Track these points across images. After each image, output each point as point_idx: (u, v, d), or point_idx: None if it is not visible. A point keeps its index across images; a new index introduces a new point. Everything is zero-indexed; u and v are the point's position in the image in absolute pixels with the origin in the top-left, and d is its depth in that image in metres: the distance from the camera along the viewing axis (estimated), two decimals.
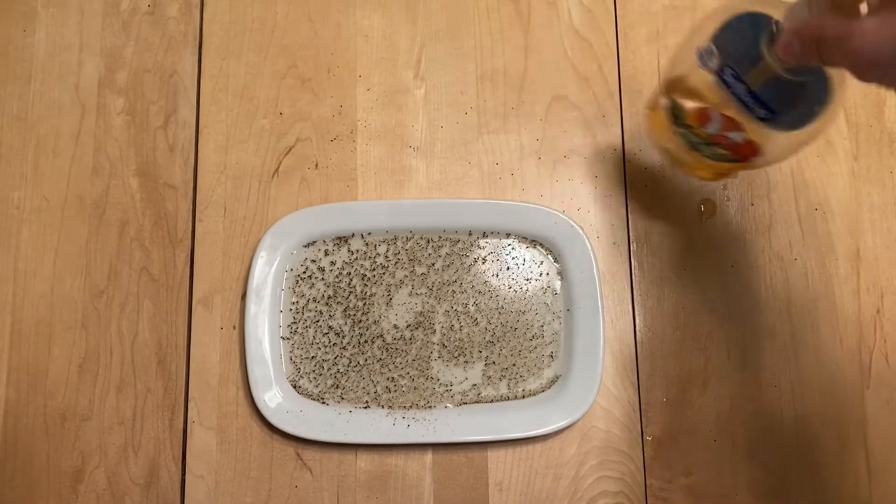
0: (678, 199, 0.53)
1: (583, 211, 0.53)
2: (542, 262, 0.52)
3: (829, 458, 0.50)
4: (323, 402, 0.50)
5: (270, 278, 0.50)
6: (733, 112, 0.40)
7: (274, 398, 0.49)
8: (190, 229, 0.52)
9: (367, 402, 0.50)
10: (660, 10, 0.55)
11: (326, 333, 0.51)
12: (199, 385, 0.50)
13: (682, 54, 0.42)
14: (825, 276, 0.52)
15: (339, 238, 0.51)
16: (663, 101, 0.45)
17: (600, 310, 0.49)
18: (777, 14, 0.37)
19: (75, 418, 0.50)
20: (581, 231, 0.50)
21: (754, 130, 0.40)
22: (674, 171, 0.53)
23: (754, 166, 0.44)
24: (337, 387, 0.50)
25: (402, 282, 0.51)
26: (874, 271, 0.52)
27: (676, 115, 0.45)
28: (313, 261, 0.51)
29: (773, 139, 0.41)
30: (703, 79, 0.40)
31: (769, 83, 0.38)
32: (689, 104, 0.43)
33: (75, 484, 0.50)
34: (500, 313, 0.51)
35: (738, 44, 0.39)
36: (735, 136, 0.41)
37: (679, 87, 0.43)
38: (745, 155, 0.42)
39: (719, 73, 0.40)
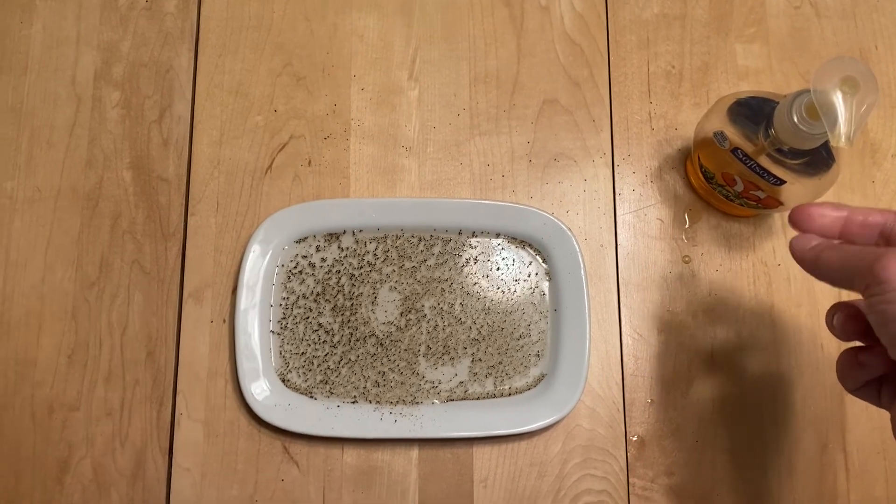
0: (665, 204, 0.54)
1: (571, 213, 0.54)
2: (530, 263, 0.52)
3: (809, 461, 0.51)
4: (311, 397, 0.50)
5: (262, 273, 0.51)
6: (751, 177, 0.47)
7: (262, 392, 0.49)
8: (182, 223, 0.53)
9: (354, 396, 0.50)
10: (650, 18, 0.56)
11: (316, 330, 0.51)
12: (187, 378, 0.51)
13: (707, 121, 0.49)
14: (808, 281, 0.53)
15: (331, 235, 0.52)
16: (696, 162, 0.51)
17: (587, 311, 0.50)
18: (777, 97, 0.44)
19: (63, 409, 0.50)
20: (570, 233, 0.51)
21: (772, 190, 0.47)
22: (663, 177, 0.54)
23: (780, 212, 0.52)
24: (326, 382, 0.50)
25: (388, 276, 0.52)
26: None
27: (707, 176, 0.51)
28: (304, 257, 0.52)
29: (790, 194, 0.46)
30: (723, 151, 0.47)
31: (777, 154, 0.44)
32: (717, 168, 0.49)
33: (61, 475, 0.50)
34: (486, 314, 0.51)
35: (744, 127, 0.46)
36: (758, 192, 0.48)
37: (707, 149, 0.49)
38: (770, 205, 0.49)
39: (733, 153, 0.46)
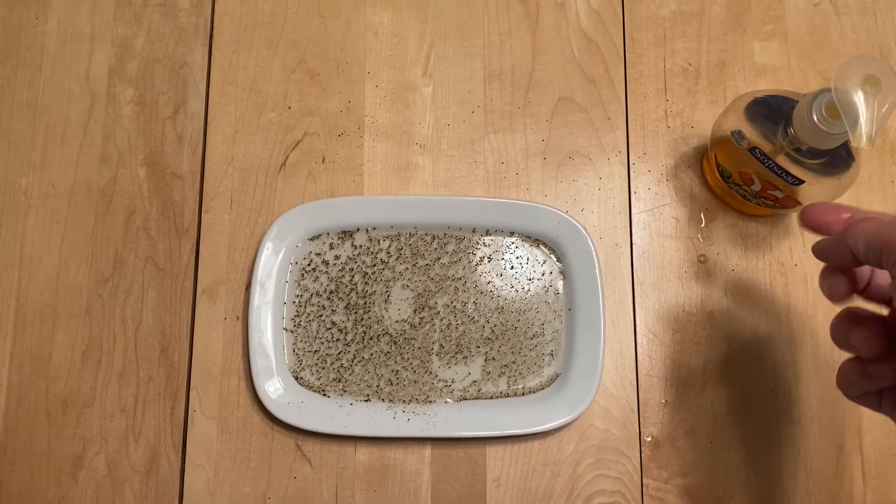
0: (681, 203, 0.53)
1: (586, 212, 0.53)
2: (544, 262, 0.52)
3: (825, 464, 0.50)
4: (324, 395, 0.50)
5: (275, 270, 0.51)
6: (769, 177, 0.46)
7: (275, 389, 0.49)
8: (196, 220, 0.53)
9: (367, 395, 0.50)
10: (667, 15, 0.56)
11: (329, 328, 0.51)
12: (201, 374, 0.51)
13: (724, 120, 0.48)
14: None
15: (344, 232, 0.52)
16: (713, 161, 0.51)
17: (601, 310, 0.50)
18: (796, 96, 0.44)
19: (77, 404, 0.51)
20: (584, 231, 0.51)
21: (790, 189, 0.46)
22: (679, 176, 0.54)
23: (798, 212, 0.50)
24: (339, 380, 0.50)
25: (401, 274, 0.51)
26: None
27: (724, 175, 0.50)
28: (318, 254, 0.52)
29: (809, 194, 0.46)
30: (741, 150, 0.47)
31: (796, 154, 0.44)
32: (734, 167, 0.49)
33: (75, 470, 0.50)
34: (500, 312, 0.51)
35: (762, 126, 0.45)
36: (776, 192, 0.47)
37: (724, 148, 0.49)
38: (787, 205, 0.48)
39: (750, 152, 0.46)
